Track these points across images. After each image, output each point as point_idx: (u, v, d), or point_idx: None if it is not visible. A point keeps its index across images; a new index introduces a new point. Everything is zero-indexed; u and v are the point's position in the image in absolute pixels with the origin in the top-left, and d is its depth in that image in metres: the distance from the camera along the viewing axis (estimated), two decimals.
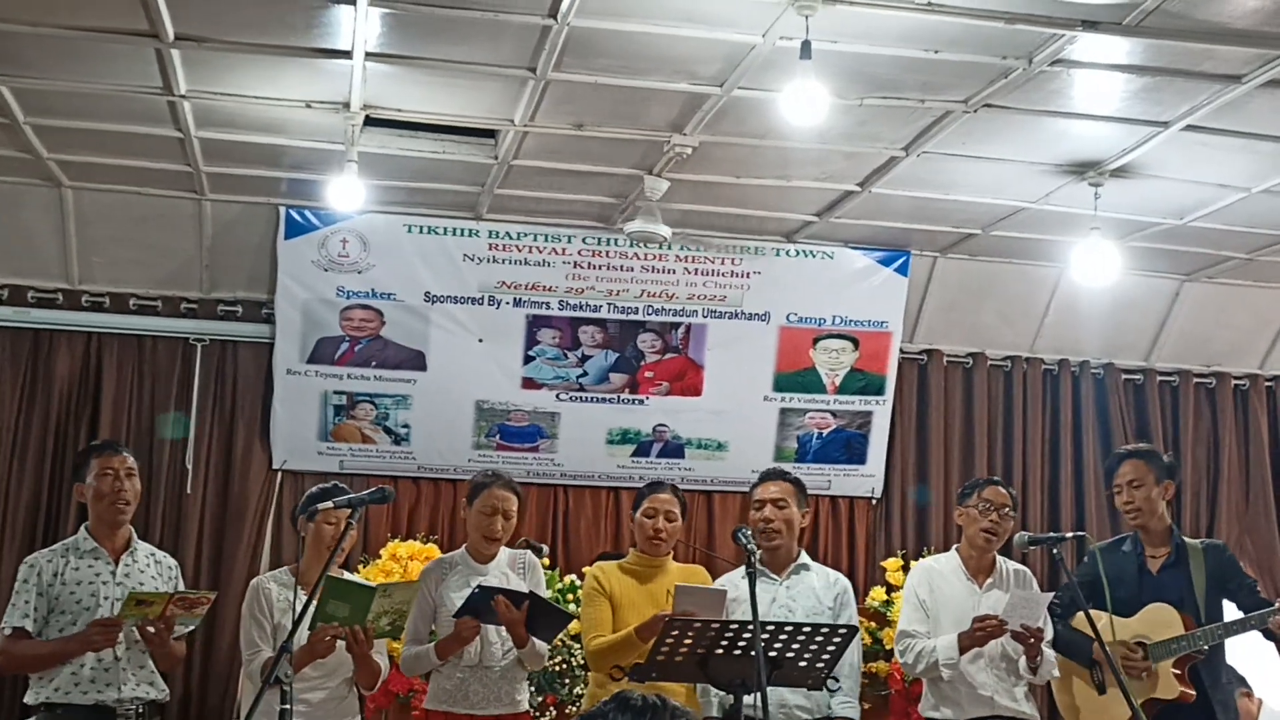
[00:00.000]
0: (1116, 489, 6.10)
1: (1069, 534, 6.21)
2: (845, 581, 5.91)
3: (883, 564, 8.18)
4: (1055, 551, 5.43)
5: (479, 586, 5.42)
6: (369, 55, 6.00)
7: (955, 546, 6.12)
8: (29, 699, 5.54)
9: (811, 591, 5.76)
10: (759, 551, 5.70)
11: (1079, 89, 6.15)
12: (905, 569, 7.68)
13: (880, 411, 8.93)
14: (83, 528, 5.70)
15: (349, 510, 5.07)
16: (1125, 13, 5.37)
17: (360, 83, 6.28)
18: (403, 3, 5.52)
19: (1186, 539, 6.07)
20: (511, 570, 5.75)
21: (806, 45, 5.36)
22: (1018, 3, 5.35)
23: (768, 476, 6.01)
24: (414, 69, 6.17)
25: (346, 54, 5.99)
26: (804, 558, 5.89)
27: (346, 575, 5.93)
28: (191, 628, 5.59)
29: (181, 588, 5.75)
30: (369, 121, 6.79)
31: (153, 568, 5.71)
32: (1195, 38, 5.55)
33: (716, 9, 5.46)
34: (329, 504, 5.21)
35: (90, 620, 5.38)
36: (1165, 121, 6.44)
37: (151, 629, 5.29)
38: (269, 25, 5.77)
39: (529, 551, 6.06)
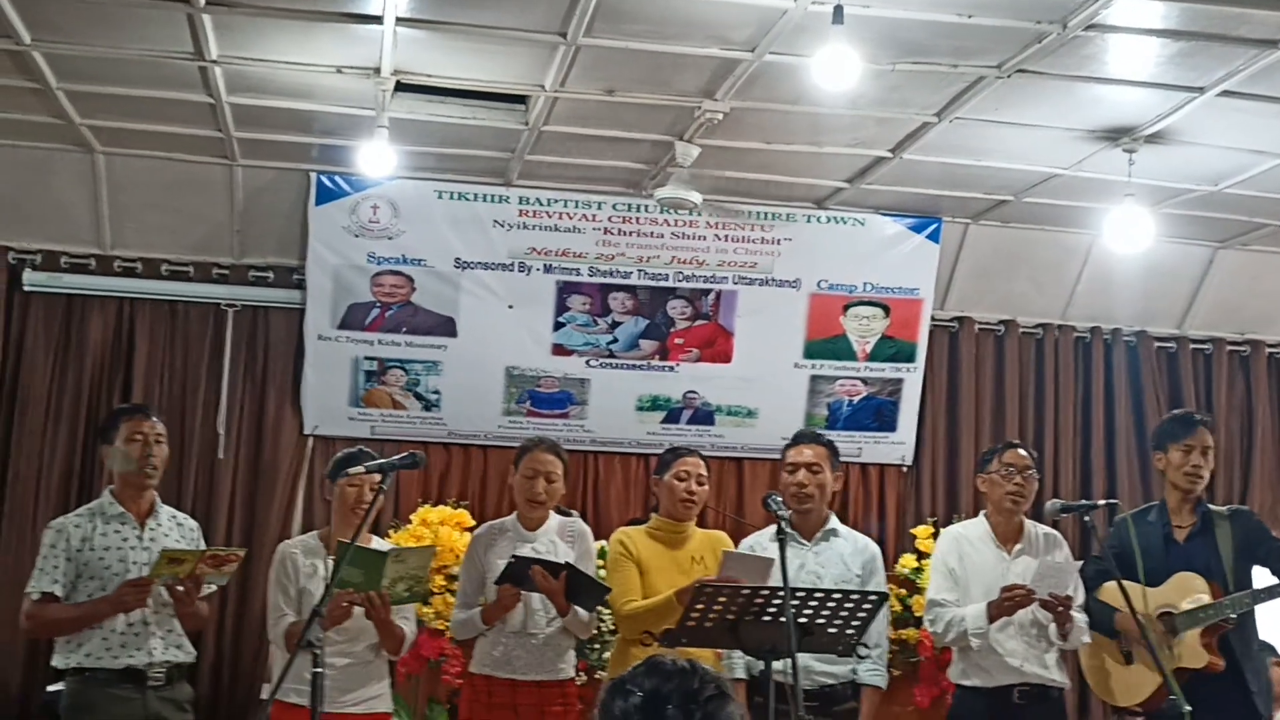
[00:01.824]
0: (1186, 448, 5.98)
1: (1101, 501, 6.15)
2: (874, 548, 5.89)
3: (913, 531, 8.16)
4: (1087, 519, 5.40)
5: (514, 557, 5.43)
6: (400, 20, 5.99)
7: (983, 512, 6.09)
8: (57, 663, 5.56)
9: (840, 558, 5.74)
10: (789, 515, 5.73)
11: (1114, 54, 6.09)
12: (935, 536, 7.66)
13: (911, 379, 8.91)
14: (107, 491, 5.72)
15: (378, 475, 5.08)
16: None
17: (391, 48, 6.27)
18: None
19: (1211, 506, 6.03)
20: (560, 538, 5.77)
21: (839, 10, 5.34)
22: None
23: (801, 439, 5.97)
24: (445, 34, 6.16)
25: (377, 19, 5.98)
26: (834, 522, 5.87)
27: (384, 545, 5.94)
28: (217, 586, 5.60)
29: (203, 548, 5.75)
30: (399, 87, 6.78)
31: (175, 530, 5.73)
32: (1231, 2, 5.49)
33: None
34: (359, 468, 5.23)
35: (120, 583, 5.41)
36: (1200, 87, 6.38)
37: (180, 588, 5.31)
38: None
39: (579, 520, 6.07)
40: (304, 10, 5.97)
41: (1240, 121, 6.77)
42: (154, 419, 5.73)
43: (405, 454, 5.09)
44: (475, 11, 5.93)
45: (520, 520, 5.77)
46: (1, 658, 7.93)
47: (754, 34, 6.03)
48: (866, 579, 5.71)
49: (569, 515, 7.20)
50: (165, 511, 5.79)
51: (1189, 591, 5.72)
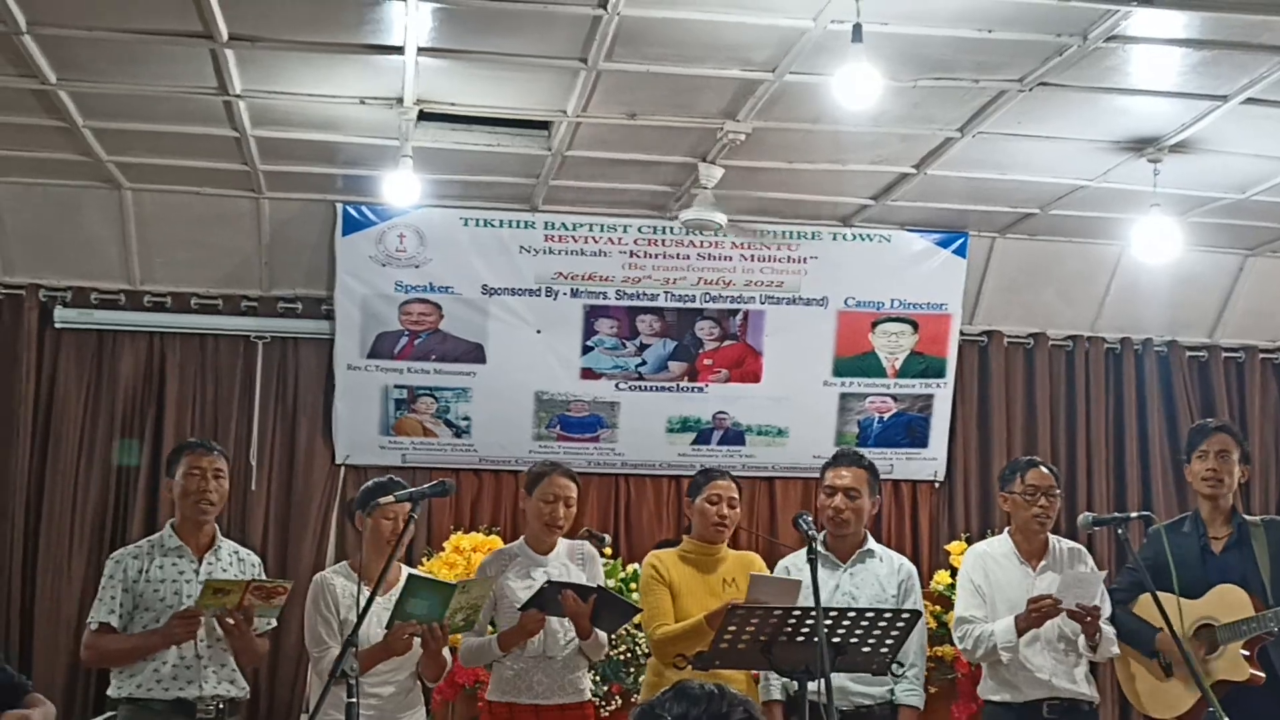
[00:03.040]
0: (1200, 455, 5.92)
1: (1134, 514, 6.09)
2: (910, 567, 5.85)
3: (947, 548, 8.12)
4: (1120, 532, 5.36)
5: (548, 581, 5.42)
6: (421, 50, 6.02)
7: (1006, 530, 6.05)
8: (111, 693, 5.60)
9: (875, 579, 5.71)
10: (822, 536, 5.71)
11: (1135, 64, 6.08)
12: None
13: (941, 394, 8.89)
14: (168, 525, 5.74)
15: (409, 504, 5.08)
16: None
17: (413, 78, 6.31)
18: None
19: (1246, 517, 5.98)
20: (571, 561, 5.75)
21: (858, 28, 5.33)
22: None
23: (840, 460, 5.89)
24: (466, 63, 6.19)
25: (399, 49, 6.01)
26: (870, 543, 5.82)
27: (420, 573, 5.94)
28: (272, 623, 5.61)
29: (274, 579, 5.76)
30: (423, 116, 6.81)
31: (235, 565, 5.73)
32: (1253, 9, 5.46)
33: None
34: (389, 498, 5.23)
35: (173, 614, 5.43)
36: (1224, 95, 6.35)
37: (230, 620, 5.32)
38: (321, 23, 5.81)
39: (587, 542, 6.06)
40: (326, 43, 6.01)
41: (1266, 128, 6.74)
42: (215, 454, 5.75)
43: (435, 482, 5.08)
44: (496, 39, 5.96)
45: (531, 545, 5.75)
46: (44, 689, 7.91)
47: (774, 54, 6.04)
48: (902, 599, 5.67)
49: (601, 539, 7.23)
50: (227, 546, 5.79)
51: (1230, 604, 5.67)
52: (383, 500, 5.25)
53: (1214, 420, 6.48)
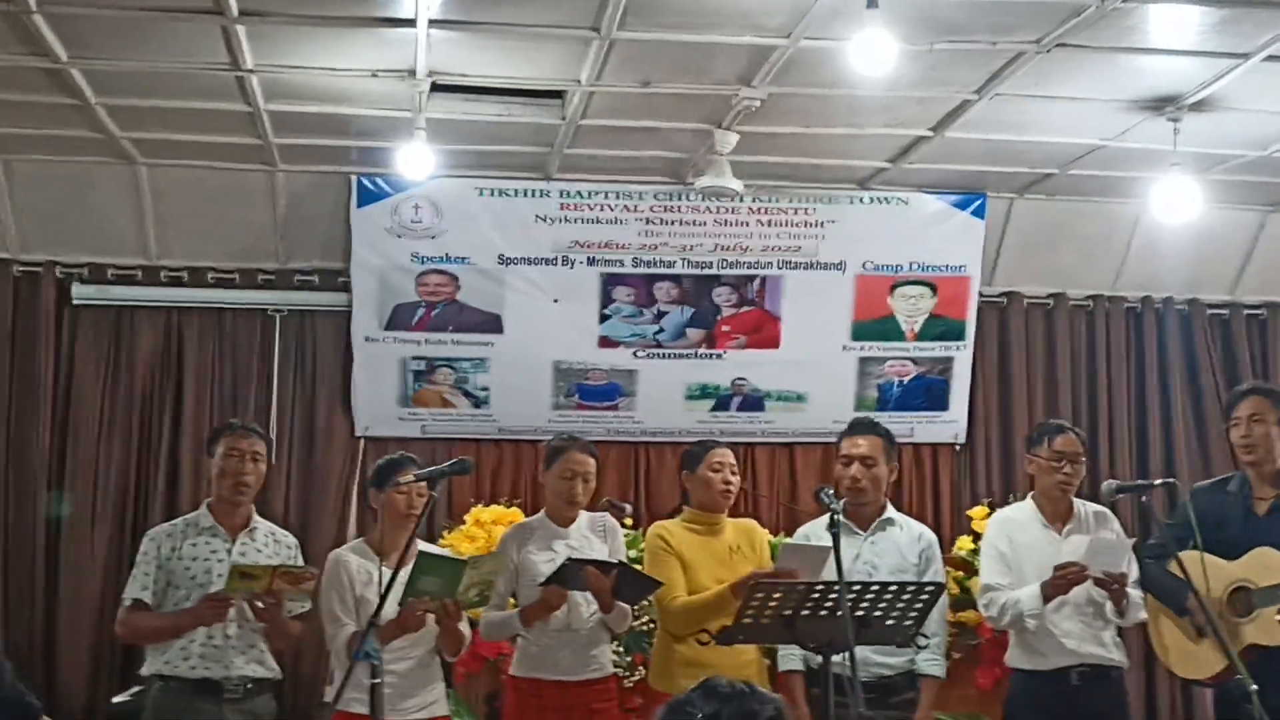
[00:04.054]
0: (1235, 422, 5.86)
1: (1157, 481, 6.05)
2: (931, 536, 5.83)
3: (969, 513, 8.10)
4: (1144, 499, 5.32)
5: (569, 559, 5.41)
6: (432, 22, 5.98)
7: (1030, 495, 6.01)
8: (144, 670, 5.62)
9: (896, 548, 5.68)
10: (841, 505, 5.69)
11: (1154, 24, 6.00)
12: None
13: (961, 357, 8.84)
14: (204, 504, 5.75)
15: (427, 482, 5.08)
16: None
17: (424, 50, 6.26)
18: None
19: None
20: (592, 533, 5.74)
21: None
22: None
23: (856, 429, 5.87)
24: (477, 34, 6.14)
25: (410, 22, 5.97)
26: (890, 511, 5.80)
27: (433, 548, 5.94)
28: (306, 607, 5.61)
29: (301, 564, 5.76)
30: (435, 88, 6.77)
31: (270, 546, 5.73)
32: None
33: None
34: (409, 476, 5.22)
35: (203, 595, 5.45)
36: (1245, 53, 6.27)
37: (260, 604, 5.33)
38: None
39: (608, 515, 6.04)
40: (336, 17, 5.97)
41: None
42: (254, 436, 5.76)
43: (454, 461, 5.09)
44: (507, 10, 5.92)
45: (551, 518, 5.74)
46: (69, 667, 8.02)
47: (788, 20, 5.98)
48: (924, 568, 5.65)
49: (622, 508, 7.22)
50: (264, 527, 5.79)
51: (1268, 567, 5.59)
52: (402, 479, 5.24)
53: (1246, 384, 6.39)
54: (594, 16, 5.95)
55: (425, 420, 8.54)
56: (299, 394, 8.55)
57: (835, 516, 4.80)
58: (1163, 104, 6.92)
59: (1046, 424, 6.20)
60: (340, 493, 8.48)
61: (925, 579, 5.46)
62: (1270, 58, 6.29)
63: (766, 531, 6.07)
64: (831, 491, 5.00)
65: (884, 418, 8.34)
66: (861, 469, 5.70)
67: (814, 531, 5.71)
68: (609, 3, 5.77)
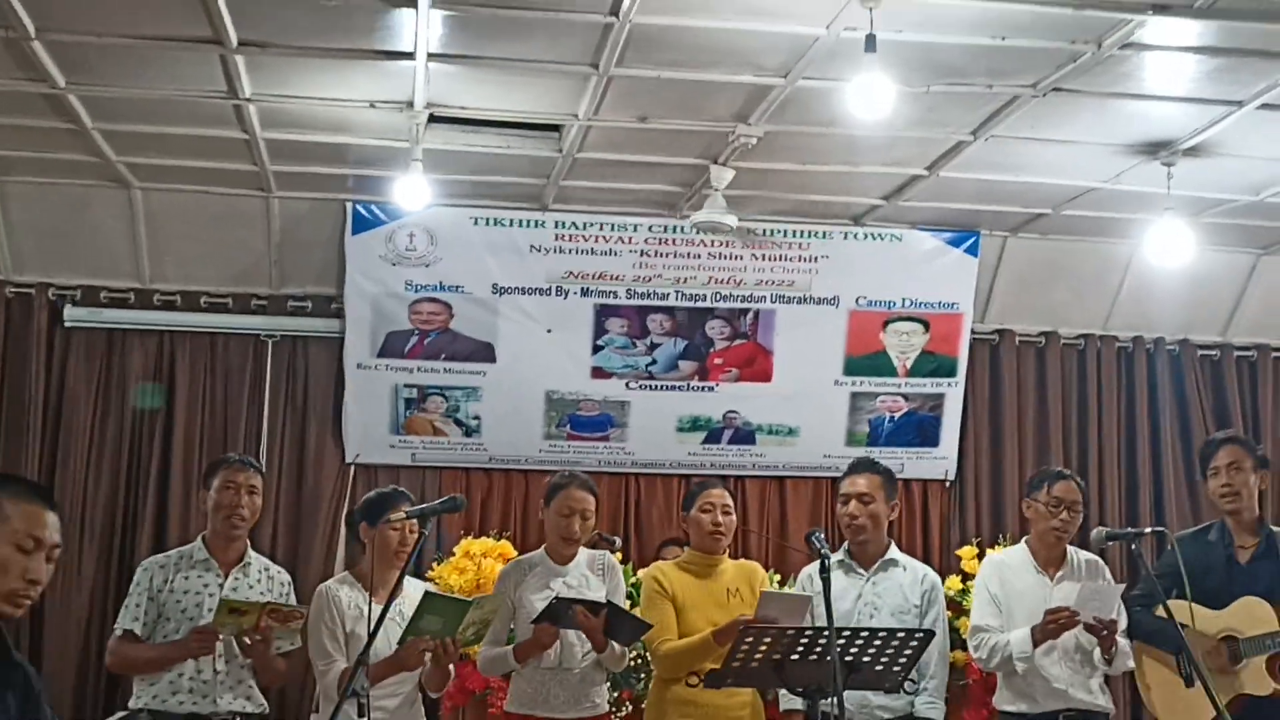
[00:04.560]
0: (1213, 471, 5.89)
1: (1147, 529, 6.05)
2: (934, 578, 5.80)
3: (958, 553, 8.09)
4: (1134, 547, 5.33)
5: (556, 598, 5.40)
6: (431, 56, 6.01)
7: (1025, 539, 6.02)
8: (132, 703, 5.57)
9: (899, 588, 5.66)
10: (845, 546, 5.70)
11: (1150, 71, 6.05)
12: (980, 556, 7.60)
13: (952, 393, 8.86)
14: (200, 537, 5.72)
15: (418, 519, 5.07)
16: None
17: (423, 83, 6.29)
18: (464, 5, 5.52)
19: (1275, 528, 5.92)
20: (591, 571, 5.72)
21: (871, 38, 5.31)
22: None
23: (856, 469, 5.87)
24: (477, 68, 6.17)
25: (409, 55, 5.99)
26: (893, 552, 5.76)
27: (431, 587, 5.91)
28: (295, 645, 5.58)
29: (293, 602, 5.74)
30: (433, 119, 6.79)
31: (263, 582, 5.69)
32: (1268, 18, 5.43)
33: (779, 2, 5.41)
34: (400, 514, 5.21)
35: (191, 628, 5.42)
36: (1239, 101, 6.32)
37: (248, 641, 5.30)
38: (331, 30, 5.78)
39: (608, 553, 6.03)
40: (336, 49, 5.99)
41: None
42: (251, 470, 5.72)
43: (446, 498, 5.06)
44: (507, 45, 5.94)
45: (550, 555, 5.72)
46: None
47: (786, 60, 6.01)
48: (925, 609, 5.62)
49: (612, 541, 7.20)
50: (258, 562, 5.75)
51: (1255, 617, 5.61)
52: (394, 516, 5.23)
53: (1221, 433, 6.44)
54: (593, 53, 5.97)
55: (416, 448, 8.54)
56: (290, 420, 8.54)
57: (825, 561, 4.79)
58: (1157, 148, 6.97)
59: (1047, 470, 6.21)
60: (330, 519, 8.46)
61: (927, 621, 5.45)
62: (1264, 105, 6.35)
63: (767, 574, 6.03)
64: (823, 536, 4.99)
65: (875, 453, 8.49)
66: (859, 506, 5.69)
67: (815, 573, 5.68)
68: (608, 40, 5.80)
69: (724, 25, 5.64)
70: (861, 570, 5.67)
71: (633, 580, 7.26)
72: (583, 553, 5.75)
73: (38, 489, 3.34)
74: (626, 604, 5.80)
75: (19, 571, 3.16)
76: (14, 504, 3.18)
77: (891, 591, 5.64)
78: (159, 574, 5.55)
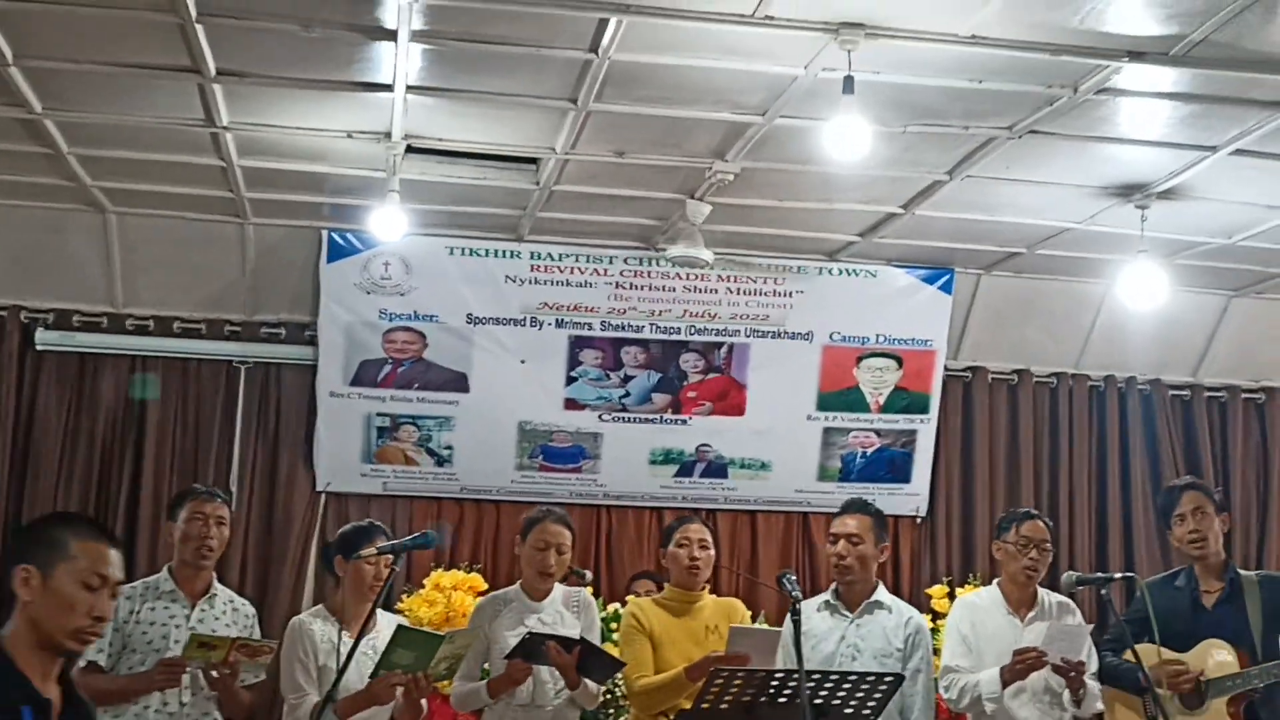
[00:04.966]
0: (1179, 518, 5.90)
1: (1117, 574, 6.07)
2: (920, 621, 5.77)
3: (928, 591, 8.11)
4: (1103, 592, 5.35)
5: (529, 633, 5.39)
6: (410, 88, 6.00)
7: (996, 581, 6.03)
8: None
9: (882, 631, 5.62)
10: (834, 586, 5.69)
11: (1125, 116, 6.10)
12: (951, 596, 7.62)
13: (924, 430, 8.89)
14: (165, 568, 5.68)
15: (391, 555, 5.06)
16: (1172, 44, 5.32)
17: (401, 114, 6.29)
18: (444, 39, 5.52)
19: (1241, 572, 5.96)
20: (566, 608, 5.71)
21: (849, 80, 5.34)
22: (1062, 34, 5.29)
23: (847, 509, 5.84)
24: (455, 100, 6.18)
25: (388, 87, 5.99)
26: (880, 594, 5.72)
27: (403, 620, 5.89)
28: (260, 678, 5.55)
29: (257, 635, 5.71)
30: (410, 150, 6.78)
31: (229, 614, 5.66)
32: (1243, 67, 5.48)
33: (757, 43, 5.42)
34: (372, 550, 5.20)
35: (158, 660, 5.38)
36: (1213, 146, 6.37)
37: (216, 674, 5.27)
38: (310, 61, 5.78)
39: (584, 590, 6.02)
40: (315, 80, 5.99)
41: (1254, 178, 6.77)
42: (219, 501, 5.70)
43: (418, 534, 5.07)
44: (485, 79, 5.95)
45: (526, 590, 5.72)
46: None
47: (765, 99, 6.03)
48: (909, 653, 5.59)
49: (582, 575, 7.19)
50: (223, 594, 5.72)
51: (1216, 659, 5.65)
52: (364, 552, 5.21)
53: (1181, 480, 6.47)
54: (571, 88, 5.98)
55: (387, 477, 8.52)
56: (261, 447, 8.50)
57: (796, 604, 4.79)
58: (1131, 191, 7.01)
59: (1014, 511, 6.23)
60: (300, 547, 8.43)
61: (910, 665, 5.44)
62: (1237, 151, 6.41)
63: (748, 612, 6.02)
64: (794, 578, 4.99)
65: (847, 489, 8.51)
66: (848, 546, 5.67)
67: (811, 612, 5.65)
68: (587, 76, 5.81)
69: (703, 64, 5.66)
70: (847, 612, 5.65)
71: (603, 614, 7.27)
72: (558, 589, 5.74)
73: (100, 527, 3.41)
74: (601, 642, 5.80)
75: (85, 609, 3.23)
76: (79, 542, 3.25)
77: (875, 634, 5.62)
78: (125, 605, 5.50)
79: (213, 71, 5.86)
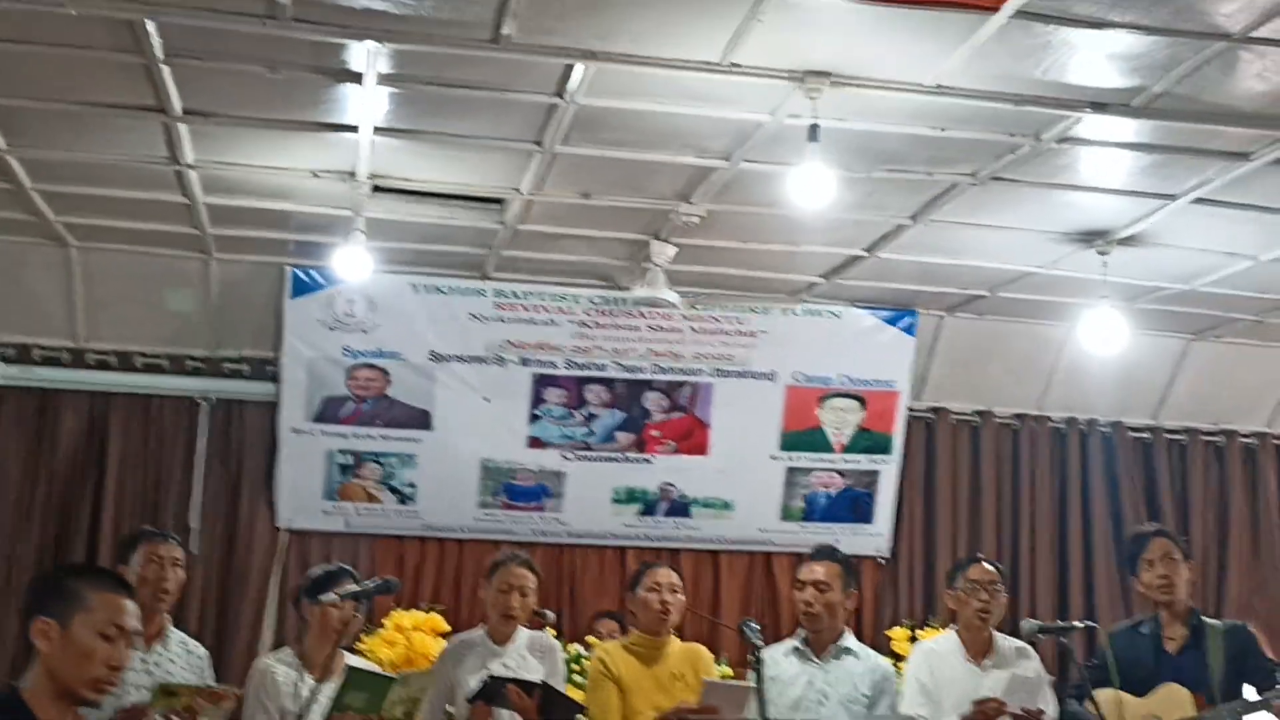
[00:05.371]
0: (1147, 564, 5.92)
1: (1078, 624, 6.10)
2: (888, 668, 5.79)
3: (888, 633, 8.12)
4: (1064, 641, 5.37)
5: (490, 676, 5.38)
6: (377, 129, 6.01)
7: (953, 628, 6.04)
8: None
9: (850, 677, 5.63)
10: (802, 633, 5.70)
11: (1087, 164, 6.16)
12: (912, 639, 7.63)
13: (887, 471, 8.91)
14: None
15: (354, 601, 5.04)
16: (1133, 95, 5.38)
17: (368, 154, 6.29)
18: (410, 82, 5.53)
19: (1207, 619, 5.98)
20: (530, 653, 5.70)
21: (814, 128, 5.38)
22: (1025, 85, 5.35)
23: (815, 556, 5.86)
24: (421, 142, 6.19)
25: (354, 128, 5.99)
26: (848, 640, 5.75)
27: (361, 662, 5.86)
28: None
29: (210, 677, 5.66)
30: (376, 188, 6.78)
31: (183, 657, 5.62)
32: (1203, 119, 5.56)
33: (724, 89, 5.46)
34: (333, 596, 5.18)
35: (116, 706, 5.32)
36: (1173, 194, 6.44)
37: (176, 718, 5.23)
38: (276, 102, 5.78)
39: (549, 635, 6.02)
40: (280, 120, 5.98)
41: (1213, 225, 6.84)
42: (172, 543, 5.68)
43: (380, 580, 5.06)
44: (451, 121, 5.96)
45: (490, 634, 5.71)
46: None
47: (730, 144, 6.07)
48: (875, 699, 5.61)
49: (544, 615, 7.16)
50: (176, 636, 5.68)
51: (1175, 703, 5.66)
52: (325, 598, 5.19)
53: (1149, 526, 6.50)
54: (537, 131, 6.00)
55: (349, 515, 8.47)
56: (223, 483, 8.44)
57: (757, 652, 4.79)
58: (1093, 237, 7.07)
59: (960, 559, 6.31)
60: (260, 584, 8.36)
61: (876, 711, 5.45)
62: (1197, 200, 6.47)
63: (712, 657, 6.02)
64: (756, 626, 4.99)
65: (810, 529, 8.54)
66: (815, 594, 5.68)
67: (771, 656, 5.66)
68: (553, 119, 5.83)
69: (669, 109, 5.69)
70: (815, 657, 5.66)
71: (566, 655, 7.24)
72: (523, 633, 5.74)
73: (116, 577, 3.49)
74: (564, 685, 5.78)
75: (103, 659, 3.27)
76: (96, 593, 3.30)
77: (842, 680, 5.63)
78: None
79: (178, 111, 5.85)
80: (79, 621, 3.23)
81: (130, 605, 3.32)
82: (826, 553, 5.84)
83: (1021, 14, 4.74)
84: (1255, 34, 4.84)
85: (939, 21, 4.83)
